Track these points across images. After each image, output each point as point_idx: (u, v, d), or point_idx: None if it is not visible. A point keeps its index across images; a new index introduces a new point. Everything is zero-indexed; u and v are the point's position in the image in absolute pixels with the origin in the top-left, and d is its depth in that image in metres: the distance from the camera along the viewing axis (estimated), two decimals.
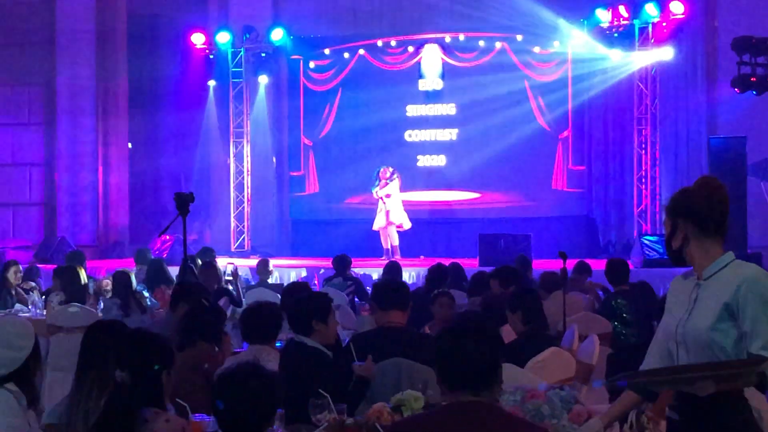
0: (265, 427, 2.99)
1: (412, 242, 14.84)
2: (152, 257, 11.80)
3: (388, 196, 14.35)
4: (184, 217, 6.72)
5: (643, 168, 14.78)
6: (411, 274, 12.49)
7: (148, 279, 9.86)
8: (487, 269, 8.47)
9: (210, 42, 16.56)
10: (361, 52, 16.24)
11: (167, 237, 13.64)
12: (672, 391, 3.12)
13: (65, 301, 8.31)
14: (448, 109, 16.16)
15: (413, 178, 15.73)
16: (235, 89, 16.88)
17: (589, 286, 8.87)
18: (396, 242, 14.41)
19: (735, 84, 12.12)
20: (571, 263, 8.28)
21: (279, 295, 7.97)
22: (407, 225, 14.49)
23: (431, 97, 16.22)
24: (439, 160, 16.21)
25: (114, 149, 16.75)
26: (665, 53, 14.48)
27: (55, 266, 10.37)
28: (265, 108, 16.88)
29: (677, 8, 14.16)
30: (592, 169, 15.68)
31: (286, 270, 13.42)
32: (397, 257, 13.58)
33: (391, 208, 14.35)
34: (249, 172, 16.93)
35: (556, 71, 15.45)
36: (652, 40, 14.50)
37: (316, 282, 11.20)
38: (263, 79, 16.77)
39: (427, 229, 15.70)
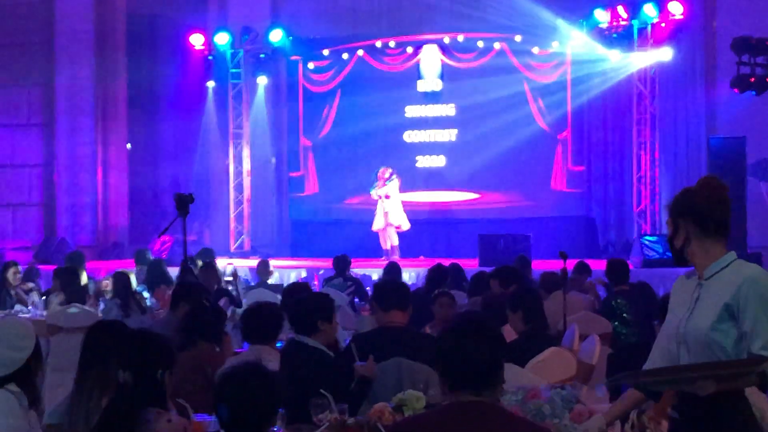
0: (267, 427, 2.99)
1: (411, 243, 14.84)
2: (152, 258, 11.80)
3: (387, 197, 14.35)
4: (184, 217, 6.73)
5: (643, 168, 14.78)
6: (411, 275, 12.50)
7: (148, 279, 9.88)
8: (487, 269, 8.47)
9: (209, 43, 16.56)
10: (360, 53, 16.24)
11: (167, 238, 13.64)
12: (674, 390, 3.12)
13: (65, 302, 8.32)
14: (448, 109, 16.17)
15: (413, 179, 15.73)
16: (234, 90, 16.88)
17: (589, 286, 8.87)
18: (395, 242, 14.41)
19: (734, 84, 12.13)
20: (570, 263, 8.28)
21: (279, 296, 7.99)
22: (406, 226, 14.50)
23: (430, 97, 16.23)
24: (438, 161, 16.22)
25: (113, 150, 16.74)
26: (664, 54, 14.48)
27: (55, 267, 10.37)
28: (264, 109, 16.89)
29: (676, 9, 14.16)
30: (591, 170, 15.69)
31: (285, 270, 13.42)
32: (396, 257, 13.58)
33: (390, 209, 14.35)
34: (248, 173, 16.94)
35: (555, 72, 15.46)
36: (651, 41, 14.50)
37: (315, 282, 11.19)
38: (262, 80, 16.77)
39: (427, 229, 15.70)
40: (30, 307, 9.12)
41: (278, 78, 17.08)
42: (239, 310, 8.25)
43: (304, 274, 13.15)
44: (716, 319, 3.02)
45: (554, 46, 15.27)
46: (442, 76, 16.11)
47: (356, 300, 9.52)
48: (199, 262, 9.93)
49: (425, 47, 16.08)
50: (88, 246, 15.35)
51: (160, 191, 17.16)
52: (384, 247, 14.41)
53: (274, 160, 17.11)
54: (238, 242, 16.75)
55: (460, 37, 15.81)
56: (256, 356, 4.28)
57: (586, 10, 14.80)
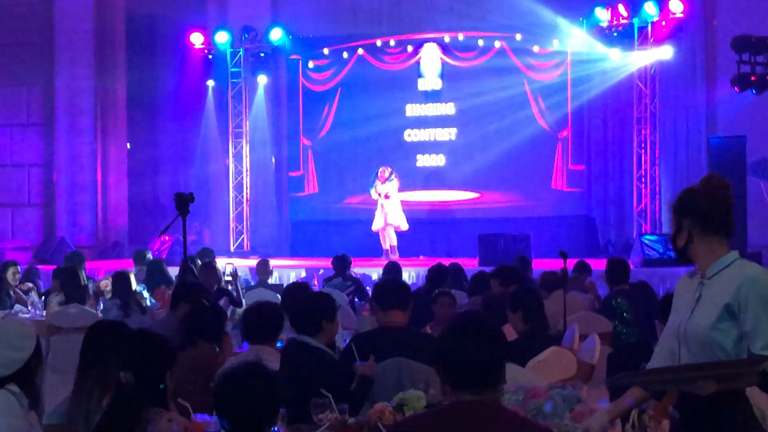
0: (268, 427, 2.98)
1: (411, 242, 14.84)
2: (152, 258, 11.79)
3: (387, 197, 14.35)
4: (184, 217, 6.71)
5: (643, 167, 14.78)
6: (411, 274, 12.49)
7: (148, 279, 9.87)
8: (487, 269, 8.47)
9: (209, 42, 16.56)
10: (360, 51, 16.23)
11: (166, 237, 13.63)
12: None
13: (65, 302, 8.31)
14: (448, 108, 16.16)
15: (412, 178, 15.72)
16: (234, 89, 16.88)
17: (589, 286, 8.87)
18: (394, 242, 14.41)
19: (734, 83, 12.13)
20: (570, 263, 8.28)
21: (279, 296, 7.98)
22: (404, 227, 14.49)
23: (430, 96, 16.22)
24: (438, 160, 16.21)
25: (113, 150, 16.73)
26: (664, 52, 14.48)
27: (55, 267, 10.37)
28: (264, 108, 16.88)
29: (676, 7, 14.16)
30: (591, 169, 15.68)
31: (285, 270, 13.41)
32: (395, 257, 13.57)
33: (390, 209, 14.34)
34: (248, 173, 16.93)
35: (556, 71, 15.46)
36: (652, 40, 14.50)
37: (315, 282, 11.20)
38: (262, 79, 16.76)
39: (427, 229, 15.70)
40: (30, 307, 9.12)
41: (278, 77, 17.07)
42: (239, 310, 8.26)
43: (303, 273, 13.15)
44: (716, 318, 3.02)
45: (554, 45, 15.28)
46: (442, 75, 16.11)
47: (356, 300, 9.52)
48: (199, 262, 9.92)
49: (425, 46, 16.08)
50: (87, 246, 15.35)
51: (159, 191, 17.15)
52: (384, 246, 14.40)
53: (274, 159, 17.09)
54: (238, 242, 16.75)
55: (461, 36, 15.81)
56: (256, 356, 4.27)
57: (587, 8, 14.81)
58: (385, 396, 4.14)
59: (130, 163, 17.04)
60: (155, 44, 17.22)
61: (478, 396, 2.69)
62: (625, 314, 7.22)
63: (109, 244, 16.29)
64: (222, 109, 16.99)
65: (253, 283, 10.82)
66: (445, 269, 8.61)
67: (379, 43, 16.14)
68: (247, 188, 16.90)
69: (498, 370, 2.73)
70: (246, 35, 16.42)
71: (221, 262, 10.91)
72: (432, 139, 16.24)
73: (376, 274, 11.46)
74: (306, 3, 16.42)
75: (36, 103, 16.58)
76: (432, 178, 16.15)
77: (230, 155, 16.95)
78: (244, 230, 16.77)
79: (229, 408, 2.95)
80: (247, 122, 16.90)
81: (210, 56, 16.65)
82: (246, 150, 16.89)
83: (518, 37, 15.39)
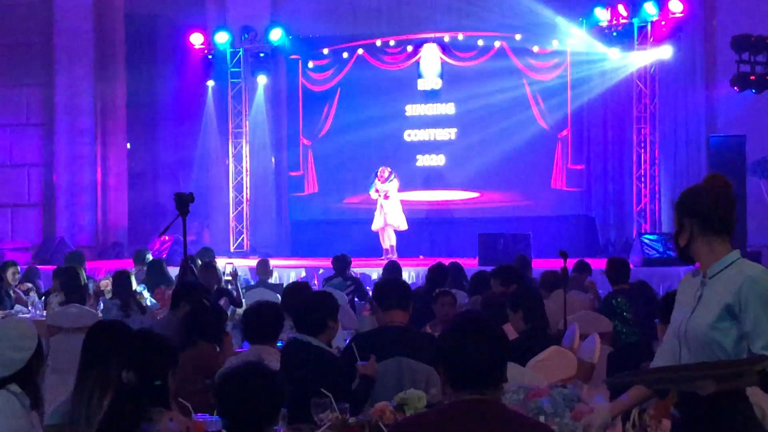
0: (269, 427, 2.98)
1: (411, 242, 14.85)
2: (152, 258, 11.79)
3: (386, 197, 14.35)
4: (184, 217, 6.70)
5: (643, 167, 14.77)
6: (411, 274, 12.50)
7: (148, 279, 9.87)
8: (487, 269, 8.47)
9: (208, 42, 16.55)
10: (360, 51, 16.23)
11: (166, 237, 13.63)
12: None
13: (65, 302, 8.31)
14: (447, 108, 16.16)
15: (412, 178, 15.72)
16: (233, 89, 16.87)
17: (590, 285, 8.87)
18: (394, 242, 14.41)
19: (734, 82, 12.12)
20: (570, 262, 8.28)
21: (279, 296, 7.98)
22: (404, 227, 14.49)
23: (430, 96, 16.22)
24: (438, 160, 16.21)
25: (113, 149, 16.74)
26: (664, 52, 14.48)
27: (55, 267, 10.37)
28: (264, 108, 16.87)
29: (676, 7, 14.16)
30: (591, 168, 15.68)
31: (285, 270, 13.41)
32: (393, 257, 13.57)
33: (389, 209, 14.35)
34: (248, 172, 16.93)
35: (555, 70, 15.45)
36: (651, 39, 14.49)
37: (315, 282, 11.20)
38: (262, 79, 16.75)
39: (427, 228, 15.70)
40: (30, 308, 9.12)
41: (278, 77, 17.06)
42: (239, 310, 8.26)
43: (303, 273, 13.15)
44: (717, 318, 3.02)
45: (554, 45, 15.28)
46: (442, 75, 16.10)
47: (356, 300, 9.52)
48: (199, 262, 9.92)
49: (425, 46, 16.07)
50: (87, 246, 15.36)
51: (159, 191, 17.14)
52: (383, 246, 14.40)
53: (273, 159, 17.09)
54: (238, 242, 16.74)
55: (460, 36, 15.80)
56: (256, 356, 4.28)
57: (586, 8, 14.81)
58: (385, 396, 4.13)
59: (130, 163, 17.04)
60: (155, 44, 17.22)
61: (479, 395, 2.69)
62: (625, 314, 7.23)
63: (109, 245, 16.29)
64: (222, 110, 16.98)
65: (253, 283, 10.82)
66: (445, 269, 8.61)
67: (378, 43, 16.13)
68: (247, 188, 16.89)
69: (499, 370, 2.73)
70: (246, 35, 16.41)
71: (221, 262, 10.90)
72: (432, 139, 16.24)
73: (375, 274, 11.46)
74: (306, 3, 16.42)
75: (36, 104, 16.59)
76: (432, 178, 16.15)
77: (230, 155, 16.94)
78: (244, 230, 16.77)
79: (229, 408, 2.95)
80: (247, 122, 16.89)
81: (210, 56, 16.65)
82: (246, 150, 16.88)
83: (518, 37, 15.39)
